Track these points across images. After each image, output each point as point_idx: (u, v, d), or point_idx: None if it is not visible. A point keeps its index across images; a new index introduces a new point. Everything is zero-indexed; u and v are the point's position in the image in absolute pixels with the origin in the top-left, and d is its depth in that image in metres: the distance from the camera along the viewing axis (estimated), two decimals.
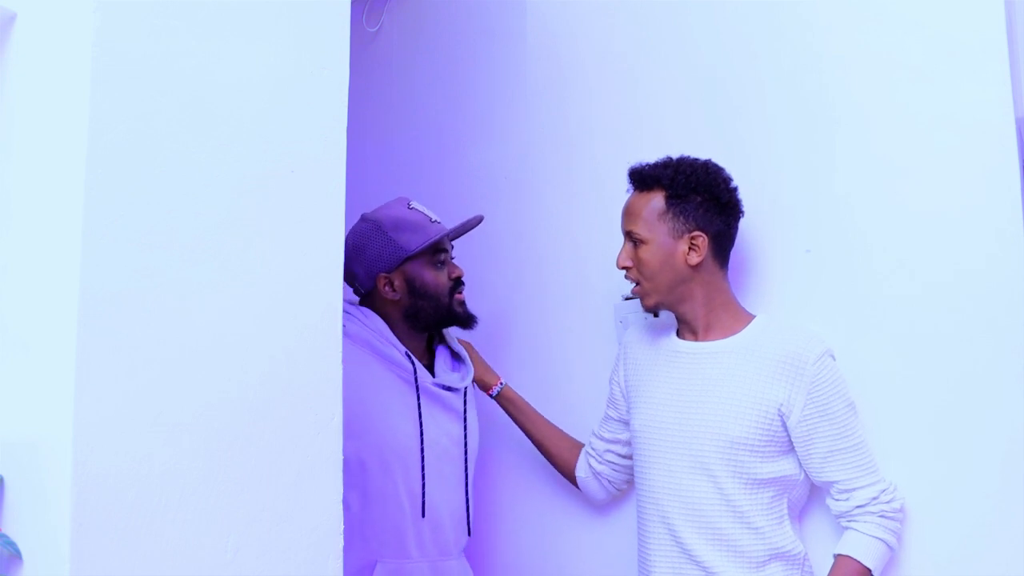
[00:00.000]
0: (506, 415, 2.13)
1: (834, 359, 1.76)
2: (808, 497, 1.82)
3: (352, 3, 1.45)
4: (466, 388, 2.02)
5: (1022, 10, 1.81)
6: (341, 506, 1.33)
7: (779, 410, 1.72)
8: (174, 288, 1.15)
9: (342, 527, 1.32)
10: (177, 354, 1.14)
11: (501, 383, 2.11)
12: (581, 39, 2.29)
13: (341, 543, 1.32)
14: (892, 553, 1.71)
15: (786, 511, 1.76)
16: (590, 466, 2.04)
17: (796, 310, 1.88)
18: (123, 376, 1.08)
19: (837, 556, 1.71)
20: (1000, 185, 1.72)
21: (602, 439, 2.02)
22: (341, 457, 1.34)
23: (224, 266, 1.21)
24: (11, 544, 1.04)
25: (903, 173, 1.81)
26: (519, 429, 2.12)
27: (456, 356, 2.07)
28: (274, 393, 1.25)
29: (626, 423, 1.97)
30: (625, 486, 2.05)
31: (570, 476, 2.09)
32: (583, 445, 2.08)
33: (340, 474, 1.33)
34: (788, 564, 1.73)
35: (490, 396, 2.12)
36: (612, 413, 2.00)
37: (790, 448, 1.75)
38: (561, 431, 2.11)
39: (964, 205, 1.75)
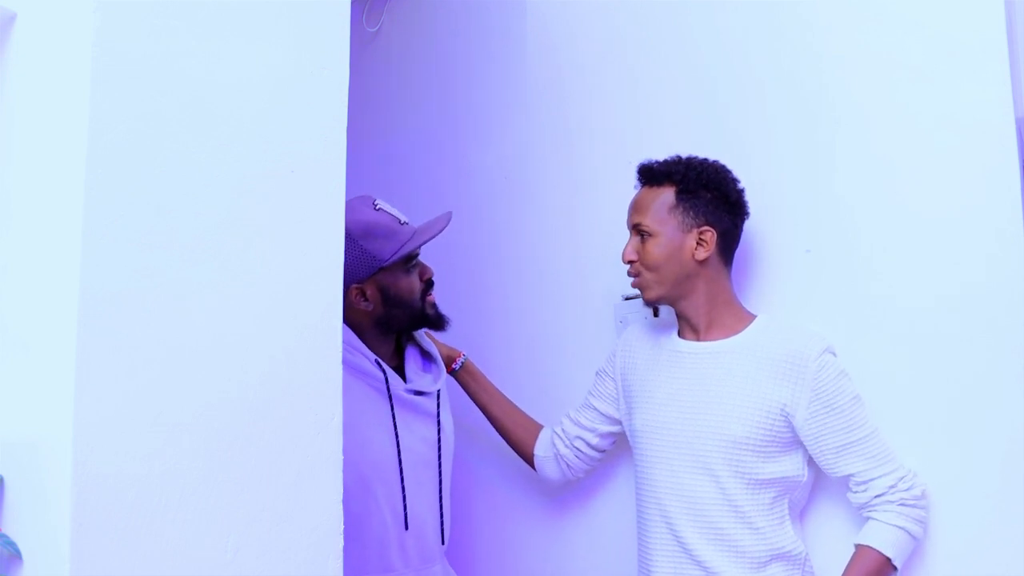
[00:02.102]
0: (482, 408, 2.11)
1: (835, 355, 1.76)
2: (808, 497, 1.82)
3: (352, 3, 1.45)
4: (439, 389, 1.96)
5: (1022, 10, 1.81)
6: (341, 506, 1.32)
7: (783, 410, 1.72)
8: (174, 288, 1.15)
9: (342, 527, 1.32)
10: (177, 354, 1.14)
11: (464, 356, 2.10)
12: (581, 39, 2.29)
13: (341, 543, 1.32)
14: (916, 543, 1.69)
15: (787, 511, 1.76)
16: (554, 446, 2.04)
17: (796, 310, 1.89)
18: (123, 376, 1.08)
19: (856, 546, 1.70)
20: (1000, 185, 1.72)
21: (578, 424, 2.01)
22: (341, 457, 1.34)
23: (224, 266, 1.21)
24: (11, 544, 1.04)
25: (903, 173, 1.81)
26: (477, 405, 2.11)
27: (426, 355, 2.01)
28: (274, 393, 1.25)
29: (606, 416, 1.98)
30: (582, 475, 2.06)
31: (526, 454, 2.08)
32: (542, 426, 2.09)
33: (340, 474, 1.33)
34: (789, 564, 1.73)
35: (453, 369, 2.09)
36: (597, 404, 1.99)
37: (792, 447, 1.75)
38: (521, 410, 2.10)
39: (964, 205, 1.75)
